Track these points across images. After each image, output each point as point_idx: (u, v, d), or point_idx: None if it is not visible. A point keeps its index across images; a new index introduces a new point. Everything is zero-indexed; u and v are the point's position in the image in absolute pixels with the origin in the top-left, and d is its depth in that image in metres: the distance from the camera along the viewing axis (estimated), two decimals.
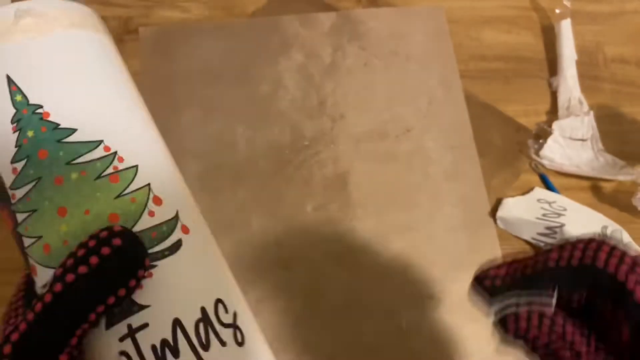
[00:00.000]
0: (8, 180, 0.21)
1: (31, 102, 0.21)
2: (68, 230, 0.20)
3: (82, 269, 0.18)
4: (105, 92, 0.23)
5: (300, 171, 0.45)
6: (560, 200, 0.45)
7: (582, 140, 0.47)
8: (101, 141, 0.21)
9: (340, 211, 0.44)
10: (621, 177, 0.46)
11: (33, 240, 0.21)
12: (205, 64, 0.49)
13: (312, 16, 0.51)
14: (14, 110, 0.21)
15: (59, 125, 0.21)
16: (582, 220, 0.44)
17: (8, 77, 0.21)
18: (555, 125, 0.47)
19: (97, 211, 0.20)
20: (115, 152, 0.21)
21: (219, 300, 0.21)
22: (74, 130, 0.21)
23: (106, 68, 0.23)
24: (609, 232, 0.44)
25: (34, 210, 0.21)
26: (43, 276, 0.21)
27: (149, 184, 0.22)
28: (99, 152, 0.21)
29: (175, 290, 0.21)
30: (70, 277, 0.18)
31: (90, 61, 0.23)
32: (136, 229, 0.20)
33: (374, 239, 0.43)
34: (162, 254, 0.21)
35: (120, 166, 0.21)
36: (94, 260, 0.18)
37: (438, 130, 0.47)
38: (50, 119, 0.21)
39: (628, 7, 0.54)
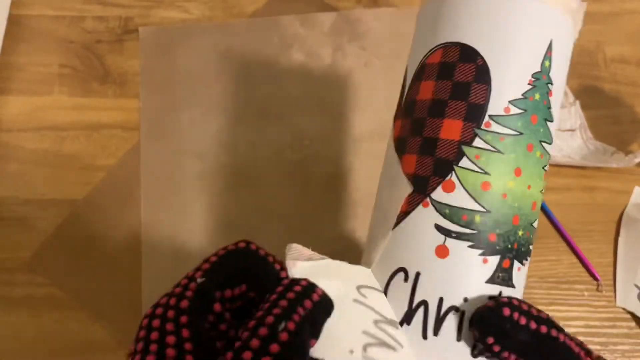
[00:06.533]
0: (493, 109, 0.22)
1: (550, 74, 0.23)
2: (513, 189, 0.22)
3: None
4: None
5: (300, 171, 0.45)
6: None
7: (571, 130, 0.48)
8: (551, 143, 0.24)
9: (341, 211, 0.44)
10: (614, 164, 0.46)
11: (476, 169, 0.22)
12: (205, 64, 0.49)
13: (312, 16, 0.51)
14: (539, 69, 0.23)
15: (550, 108, 0.23)
16: None
17: (550, 42, 0.23)
18: None
19: (532, 192, 0.23)
20: (550, 157, 0.24)
21: None
22: (552, 120, 0.24)
23: None
24: None
25: (499, 152, 0.22)
26: (459, 197, 0.22)
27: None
28: (549, 149, 0.24)
29: None
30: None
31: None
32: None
33: None
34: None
35: (546, 170, 0.24)
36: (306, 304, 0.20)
37: None
38: (550, 98, 0.23)
39: (628, 7, 0.54)
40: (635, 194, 0.46)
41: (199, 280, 0.21)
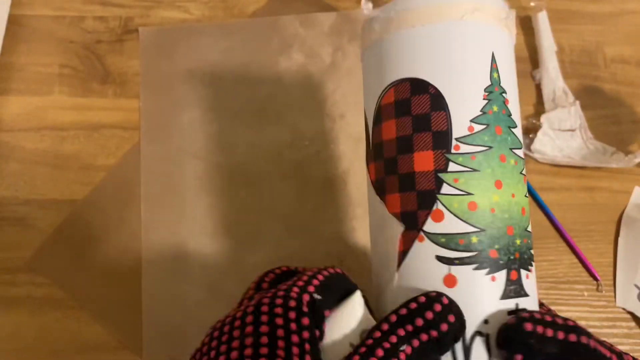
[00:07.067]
0: (458, 132, 0.23)
1: (502, 84, 0.24)
2: (498, 202, 0.23)
3: (415, 341, 0.20)
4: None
5: (300, 171, 0.45)
6: None
7: (571, 130, 0.48)
8: (521, 147, 0.25)
9: (340, 211, 0.44)
10: (614, 164, 0.46)
11: (459, 192, 0.22)
12: (205, 64, 0.49)
13: (312, 16, 0.51)
14: (489, 83, 0.24)
15: (511, 115, 0.24)
16: None
17: (493, 55, 0.24)
18: (544, 118, 0.48)
19: (517, 200, 0.23)
20: (524, 161, 0.25)
21: None
22: (516, 126, 0.24)
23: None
24: None
25: (475, 170, 0.23)
26: (451, 224, 0.22)
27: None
28: (521, 153, 0.24)
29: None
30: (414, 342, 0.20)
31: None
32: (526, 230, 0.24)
33: None
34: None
35: (524, 174, 0.25)
36: (428, 335, 0.20)
37: None
38: (508, 106, 0.24)
39: (628, 7, 0.54)
40: (635, 194, 0.46)
41: (316, 296, 0.22)
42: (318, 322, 0.21)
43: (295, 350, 0.19)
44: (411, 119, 0.23)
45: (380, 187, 0.24)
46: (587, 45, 0.52)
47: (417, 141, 0.23)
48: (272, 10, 0.52)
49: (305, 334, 0.20)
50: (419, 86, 0.23)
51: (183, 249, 0.42)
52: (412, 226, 0.23)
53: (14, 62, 0.48)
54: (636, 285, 0.43)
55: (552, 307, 0.42)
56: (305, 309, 0.21)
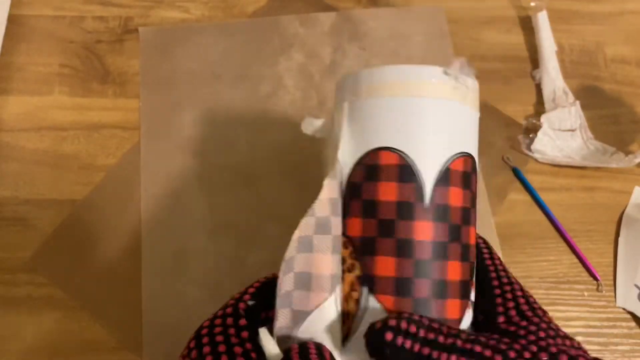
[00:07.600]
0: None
1: None
2: None
3: None
4: None
5: (300, 171, 0.45)
6: None
7: (571, 130, 0.48)
8: None
9: None
10: (614, 164, 0.46)
11: None
12: (205, 64, 0.49)
13: (312, 16, 0.51)
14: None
15: None
16: None
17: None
18: (544, 118, 0.48)
19: None
20: None
21: None
22: None
23: None
24: None
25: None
26: None
27: None
28: None
29: None
30: None
31: None
32: None
33: None
34: None
35: None
36: None
37: None
38: None
39: (628, 7, 0.54)
40: (635, 194, 0.46)
41: (250, 302, 0.24)
42: (255, 326, 0.23)
43: None
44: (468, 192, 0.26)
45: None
46: (587, 45, 0.52)
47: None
48: (272, 10, 0.52)
49: (248, 345, 0.21)
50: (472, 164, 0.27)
51: (183, 249, 0.42)
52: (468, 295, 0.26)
53: (14, 62, 0.48)
54: (636, 285, 0.43)
55: (552, 307, 0.43)
56: (243, 321, 0.23)
